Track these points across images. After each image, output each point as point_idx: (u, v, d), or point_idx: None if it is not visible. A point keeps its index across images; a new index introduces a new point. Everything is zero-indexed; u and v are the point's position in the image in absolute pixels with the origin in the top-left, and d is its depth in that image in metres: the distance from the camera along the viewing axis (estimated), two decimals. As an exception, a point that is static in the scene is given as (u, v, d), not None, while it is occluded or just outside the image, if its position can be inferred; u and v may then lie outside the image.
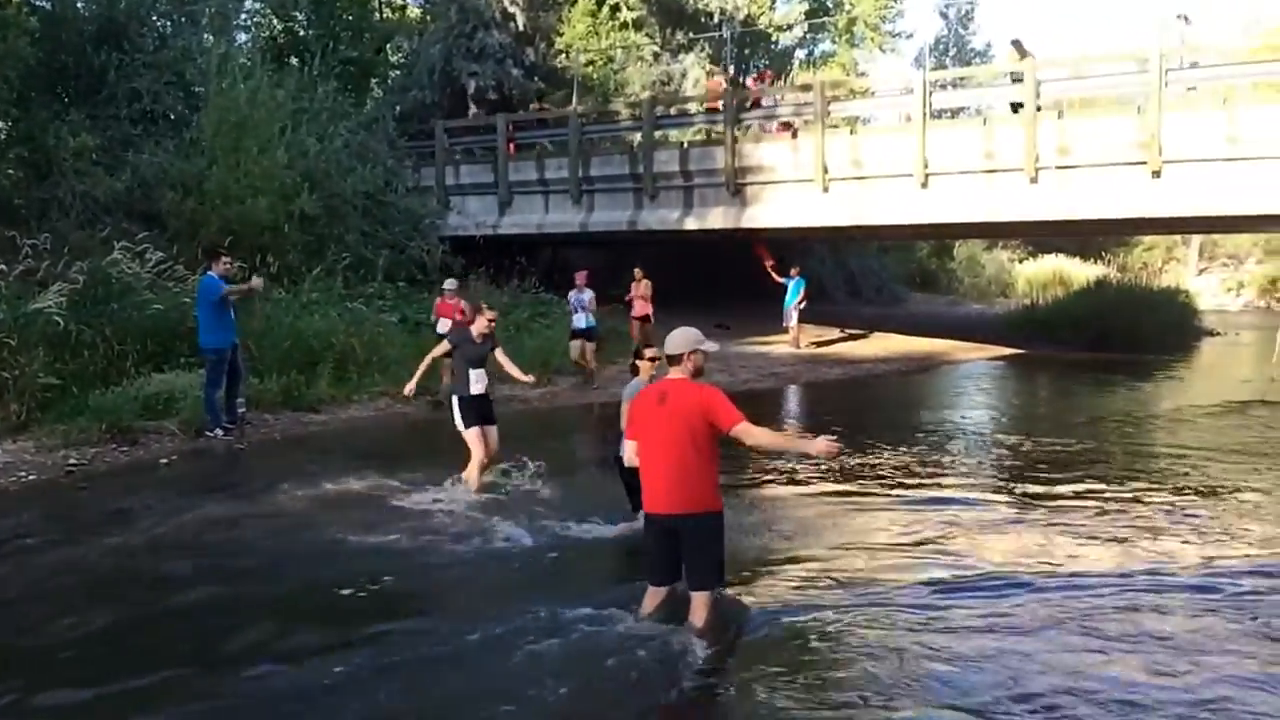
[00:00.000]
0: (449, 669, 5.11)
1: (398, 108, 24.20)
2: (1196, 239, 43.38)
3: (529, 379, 9.38)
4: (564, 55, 26.51)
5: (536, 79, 25.33)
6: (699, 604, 5.26)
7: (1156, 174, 15.65)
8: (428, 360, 9.03)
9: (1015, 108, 17.15)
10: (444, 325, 13.13)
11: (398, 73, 26.53)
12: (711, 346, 5.54)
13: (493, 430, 8.73)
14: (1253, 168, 15.14)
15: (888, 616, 5.80)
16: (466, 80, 24.24)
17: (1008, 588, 6.34)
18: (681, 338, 5.36)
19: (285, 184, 16.40)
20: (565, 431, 12.54)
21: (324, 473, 9.28)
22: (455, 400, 8.67)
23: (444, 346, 8.99)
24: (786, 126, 19.90)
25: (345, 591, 6.27)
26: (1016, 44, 18.54)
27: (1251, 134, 14.98)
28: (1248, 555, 7.10)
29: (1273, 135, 14.74)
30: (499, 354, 8.90)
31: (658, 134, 21.64)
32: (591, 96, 25.40)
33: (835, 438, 5.20)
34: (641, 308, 17.81)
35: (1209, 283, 44.16)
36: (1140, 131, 15.68)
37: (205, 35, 19.63)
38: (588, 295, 15.82)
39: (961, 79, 23.66)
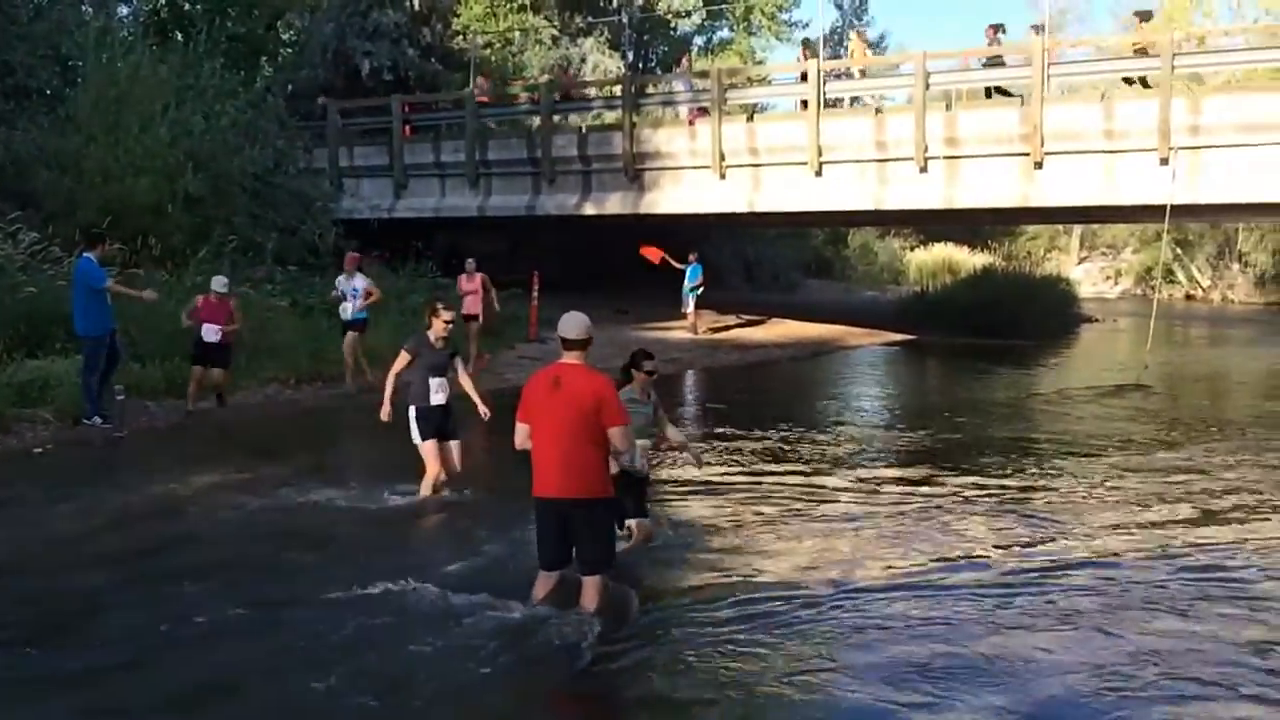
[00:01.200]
0: (340, 655, 5.01)
1: (289, 87, 23.55)
2: (1077, 229, 44.95)
3: (485, 411, 8.03)
4: (461, 37, 26.16)
5: (433, 60, 24.94)
6: (590, 588, 5.29)
7: (1039, 165, 16.16)
8: (392, 378, 8.01)
9: (989, 93, 17.36)
10: (210, 332, 11.21)
11: (289, 51, 25.82)
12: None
13: (454, 446, 7.97)
14: (1127, 160, 15.78)
15: (769, 604, 5.86)
16: (361, 60, 23.74)
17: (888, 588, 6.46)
18: (576, 322, 5.33)
19: (168, 163, 15.84)
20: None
21: (205, 462, 9.02)
22: (412, 411, 7.83)
23: (404, 358, 7.87)
24: (704, 112, 19.98)
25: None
26: (998, 27, 18.71)
27: (1126, 127, 15.60)
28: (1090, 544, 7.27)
29: (1146, 128, 15.37)
30: (459, 366, 8.12)
31: (556, 118, 21.53)
32: (487, 80, 25.12)
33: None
34: (472, 304, 15.35)
35: (1089, 271, 45.88)
36: (1024, 124, 16.17)
37: (84, 8, 18.82)
38: (360, 283, 13.33)
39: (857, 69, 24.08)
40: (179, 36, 20.05)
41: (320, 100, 22.16)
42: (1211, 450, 10.55)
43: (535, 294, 18.57)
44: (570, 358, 5.31)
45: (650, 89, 21.68)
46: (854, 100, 19.35)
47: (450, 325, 8.06)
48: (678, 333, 20.97)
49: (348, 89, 23.68)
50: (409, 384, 7.92)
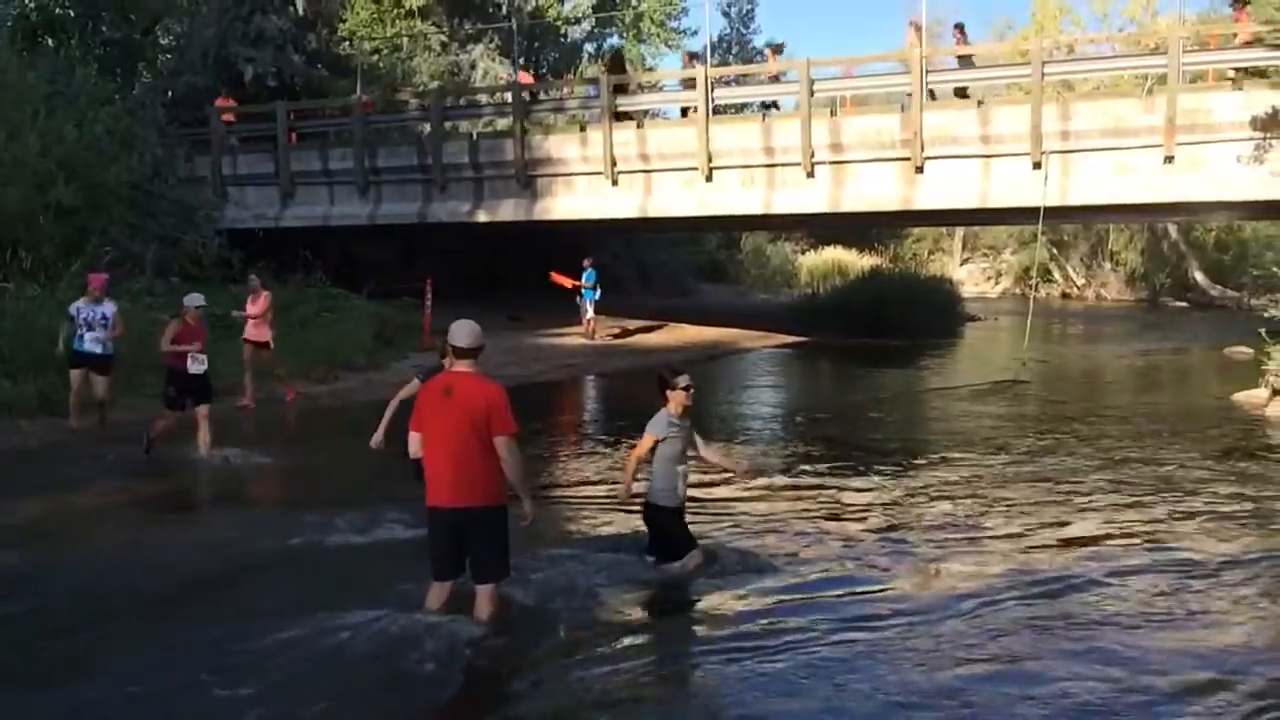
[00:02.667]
0: (237, 673, 4.92)
1: (169, 93, 22.89)
2: (959, 231, 46.40)
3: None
4: (348, 43, 25.75)
5: (319, 66, 24.49)
6: (483, 597, 5.27)
7: (919, 169, 16.67)
8: (395, 406, 7.36)
9: (961, 92, 17.70)
10: (196, 363, 9.85)
11: (169, 56, 25.06)
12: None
13: None
14: (1003, 164, 16.39)
15: (663, 606, 5.94)
16: (244, 66, 23.15)
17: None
18: (467, 330, 5.31)
19: (38, 173, 15.25)
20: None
21: (80, 483, 8.71)
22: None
23: (413, 386, 6.98)
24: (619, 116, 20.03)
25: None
26: (959, 27, 19.15)
27: (1001, 132, 16.21)
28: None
29: (1020, 133, 15.99)
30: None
31: (447, 125, 21.37)
32: (378, 86, 24.79)
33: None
34: (257, 331, 13.13)
35: (971, 271, 47.37)
36: (904, 129, 16.66)
37: (-52, 12, 18.01)
38: (110, 309, 11.13)
39: (743, 75, 24.47)
40: (49, 42, 19.31)
41: (217, 102, 21.54)
42: (1074, 448, 11.02)
43: (428, 302, 18.39)
44: (462, 366, 5.30)
45: (542, 95, 21.65)
46: (776, 107, 19.60)
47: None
48: (574, 339, 21.01)
49: (230, 95, 23.10)
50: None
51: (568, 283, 21.42)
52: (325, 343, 15.37)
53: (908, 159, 16.74)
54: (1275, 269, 13.37)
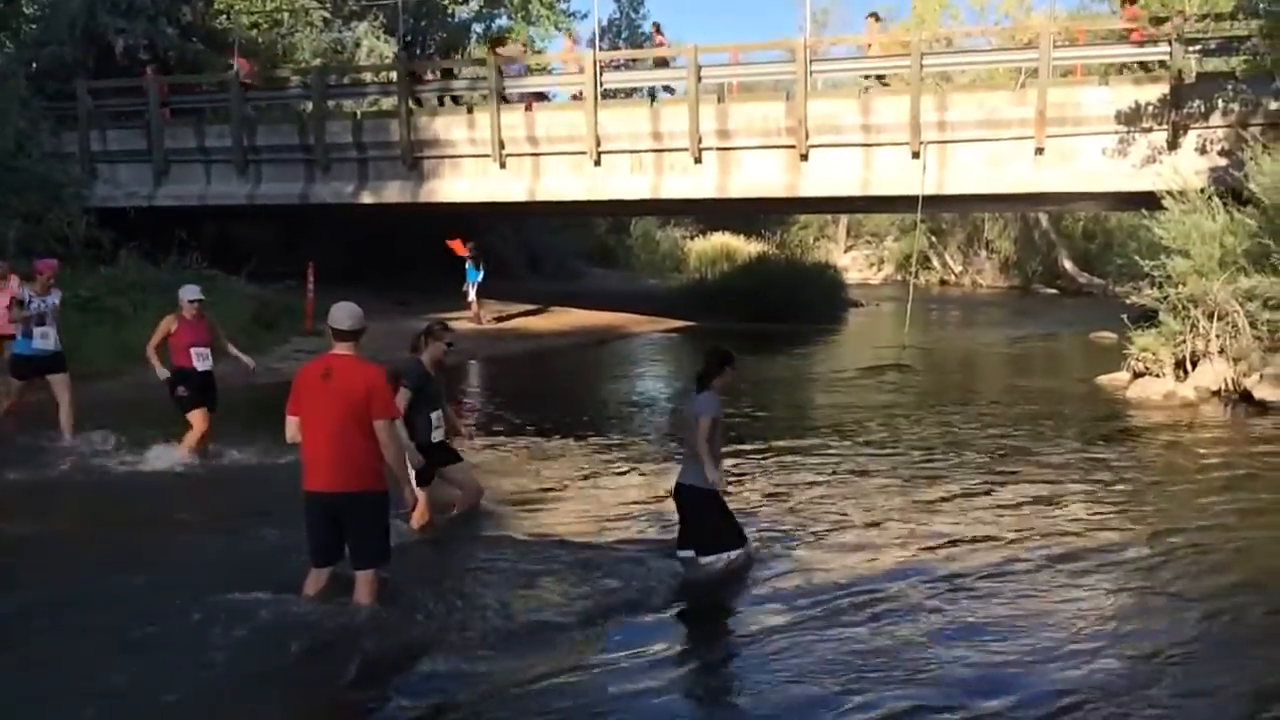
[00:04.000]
0: (104, 659, 4.78)
1: (33, 64, 21.80)
2: (844, 218, 47.39)
3: (467, 434, 7.56)
4: (225, 16, 24.89)
5: (194, 40, 23.62)
6: (363, 583, 5.21)
7: (804, 157, 16.98)
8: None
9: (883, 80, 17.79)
10: (201, 358, 8.82)
11: (33, 26, 23.85)
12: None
13: (461, 471, 7.17)
14: (883, 153, 16.81)
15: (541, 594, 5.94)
16: (114, 37, 22.19)
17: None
18: (347, 313, 5.23)
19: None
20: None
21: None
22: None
23: (406, 396, 6.55)
24: (540, 97, 19.83)
25: None
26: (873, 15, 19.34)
27: (882, 122, 16.62)
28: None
29: (899, 123, 16.40)
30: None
31: (330, 104, 20.87)
32: (256, 62, 24.05)
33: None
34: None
35: (855, 258, 48.42)
36: (789, 117, 16.94)
37: None
38: (57, 299, 9.86)
39: (632, 60, 24.51)
40: (-102, 7, 18.20)
41: (75, 81, 20.58)
42: (948, 430, 11.41)
43: (311, 285, 17.98)
44: (341, 348, 5.21)
45: (428, 75, 21.30)
46: (669, 90, 19.65)
47: (452, 347, 7.13)
48: (461, 323, 20.76)
49: (100, 68, 22.14)
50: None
51: (461, 249, 21.20)
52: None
53: (793, 147, 17.03)
54: (1137, 258, 14.00)
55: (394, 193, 19.63)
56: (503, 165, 18.69)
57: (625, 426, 11.75)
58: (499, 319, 21.95)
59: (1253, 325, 12.48)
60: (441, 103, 20.20)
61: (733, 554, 6.17)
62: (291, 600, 5.28)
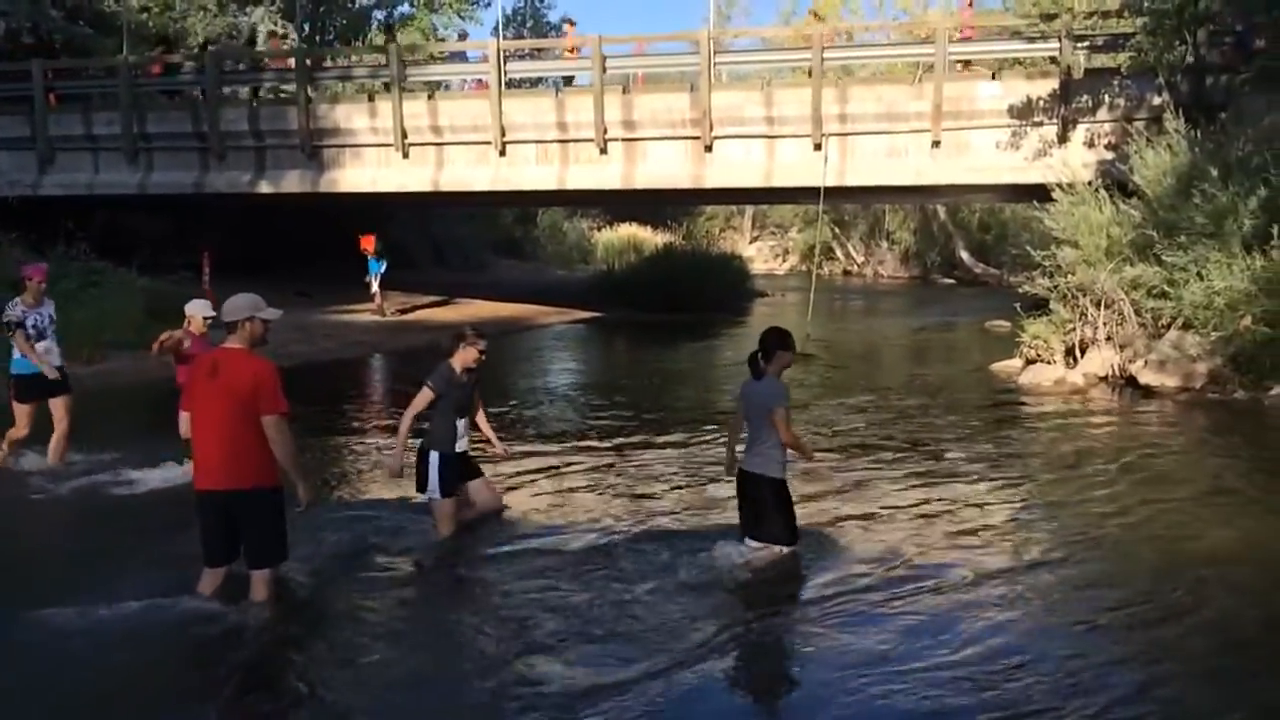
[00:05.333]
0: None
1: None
2: (749, 209, 47.91)
3: (503, 450, 7.18)
4: (113, -1, 24.03)
5: (81, 23, 22.74)
6: (259, 582, 5.09)
7: (709, 148, 17.10)
8: (409, 421, 6.59)
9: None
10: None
11: (-97, 5, 22.69)
12: (273, 313, 5.20)
13: (479, 486, 6.91)
14: (786, 145, 17.02)
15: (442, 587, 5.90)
16: (-6, 19, 21.27)
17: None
18: (238, 304, 5.10)
19: None
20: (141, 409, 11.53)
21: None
22: (435, 459, 6.48)
23: (427, 396, 6.44)
24: (481, 84, 19.52)
25: None
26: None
27: (784, 114, 16.81)
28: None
29: (802, 115, 16.62)
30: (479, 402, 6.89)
31: (226, 90, 20.30)
32: (147, 46, 23.29)
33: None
34: None
35: (761, 249, 49.04)
36: (694, 109, 17.03)
37: None
38: (49, 309, 8.55)
39: (538, 50, 24.37)
40: None
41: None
42: (850, 417, 11.64)
43: (206, 277, 17.49)
44: (232, 342, 5.07)
45: (328, 62, 20.86)
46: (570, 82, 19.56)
47: (484, 355, 6.75)
48: (364, 315, 20.47)
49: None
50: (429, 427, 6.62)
51: (371, 246, 20.83)
52: (89, 320, 14.32)
53: (698, 138, 17.15)
54: (1030, 249, 14.44)
55: (293, 182, 19.20)
56: (405, 155, 18.43)
57: (543, 418, 11.68)
58: (403, 311, 21.65)
59: (1138, 313, 12.97)
60: (342, 91, 19.84)
61: (784, 550, 6.04)
62: (183, 601, 5.13)
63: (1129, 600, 5.58)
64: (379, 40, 27.07)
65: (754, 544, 6.06)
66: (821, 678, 4.67)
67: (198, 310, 7.95)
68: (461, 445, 6.62)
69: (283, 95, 20.91)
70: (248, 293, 5.19)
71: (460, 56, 22.06)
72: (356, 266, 21.11)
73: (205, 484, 5.00)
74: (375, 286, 20.81)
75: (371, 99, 18.95)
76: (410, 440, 6.64)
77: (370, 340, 18.40)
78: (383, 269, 20.85)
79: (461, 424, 6.57)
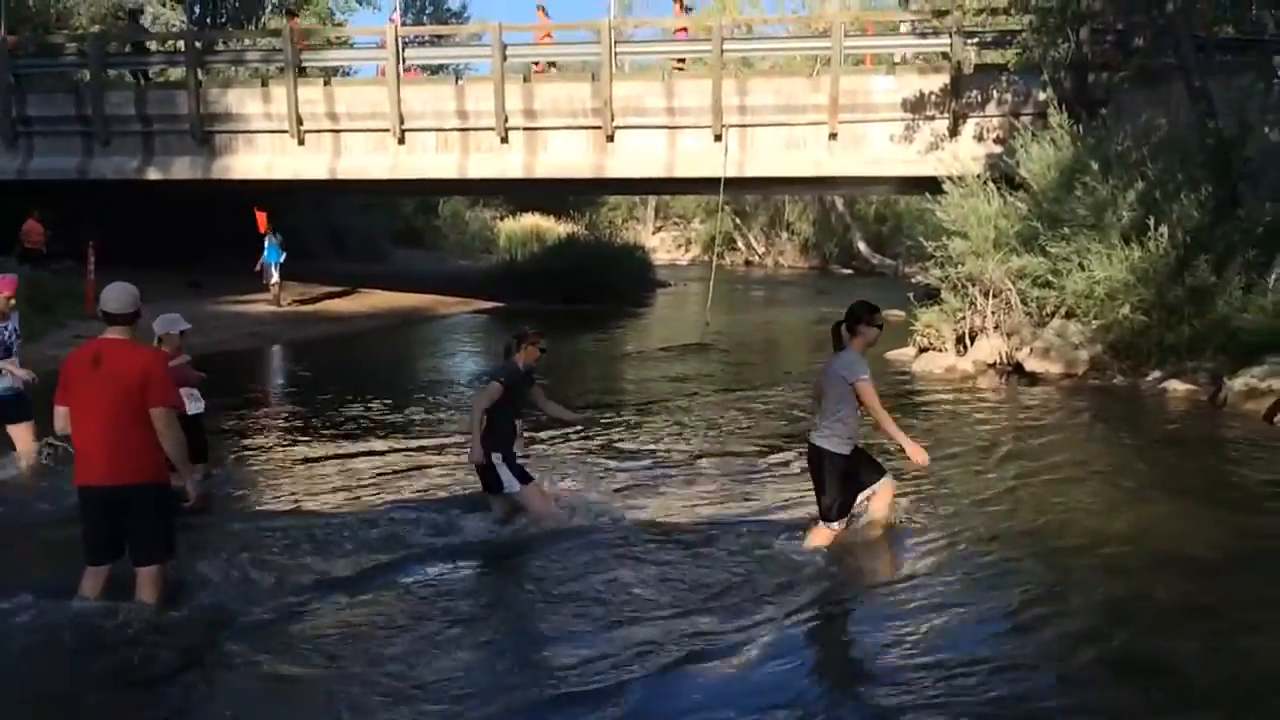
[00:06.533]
0: None
1: None
2: (652, 199, 48.11)
3: (576, 416, 7.42)
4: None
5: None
6: (146, 580, 4.92)
7: (610, 138, 17.14)
8: (480, 413, 6.36)
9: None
10: (195, 402, 7.07)
11: None
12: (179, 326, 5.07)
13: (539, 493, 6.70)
14: (687, 135, 17.16)
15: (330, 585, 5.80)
16: None
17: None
18: (119, 294, 4.92)
19: None
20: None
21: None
22: (499, 460, 6.40)
23: (497, 390, 6.31)
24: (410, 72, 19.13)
25: None
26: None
27: (685, 105, 16.94)
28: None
29: (702, 106, 16.76)
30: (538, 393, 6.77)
31: (111, 73, 19.60)
32: (27, 26, 22.34)
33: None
34: None
35: (664, 240, 49.31)
36: (595, 98, 17.04)
37: None
38: (13, 324, 7.70)
39: (439, 36, 24.09)
40: None
41: None
42: (744, 403, 11.81)
43: (91, 267, 16.86)
44: (114, 333, 4.88)
45: (220, 46, 20.28)
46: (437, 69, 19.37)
47: (544, 353, 6.73)
48: (260, 305, 20.00)
49: None
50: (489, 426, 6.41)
51: (263, 222, 20.33)
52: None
53: (599, 127, 17.16)
54: (922, 240, 14.81)
55: (183, 168, 18.67)
56: (301, 141, 18.06)
57: (441, 407, 11.57)
58: (301, 301, 21.21)
59: (1024, 302, 13.43)
60: (235, 75, 19.34)
61: (834, 525, 5.98)
62: (66, 602, 4.96)
63: (1013, 583, 5.79)
64: (273, 24, 26.40)
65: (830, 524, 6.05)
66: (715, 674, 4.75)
67: (172, 327, 7.06)
68: (518, 446, 6.60)
69: (172, 80, 20.27)
70: (126, 282, 5.02)
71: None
72: (251, 255, 20.59)
73: (88, 479, 4.82)
74: (275, 276, 20.30)
75: (265, 84, 18.49)
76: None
77: (267, 331, 17.99)
78: (282, 259, 20.37)
79: (519, 424, 6.55)
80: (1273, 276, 11.40)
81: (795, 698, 4.39)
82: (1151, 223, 12.16)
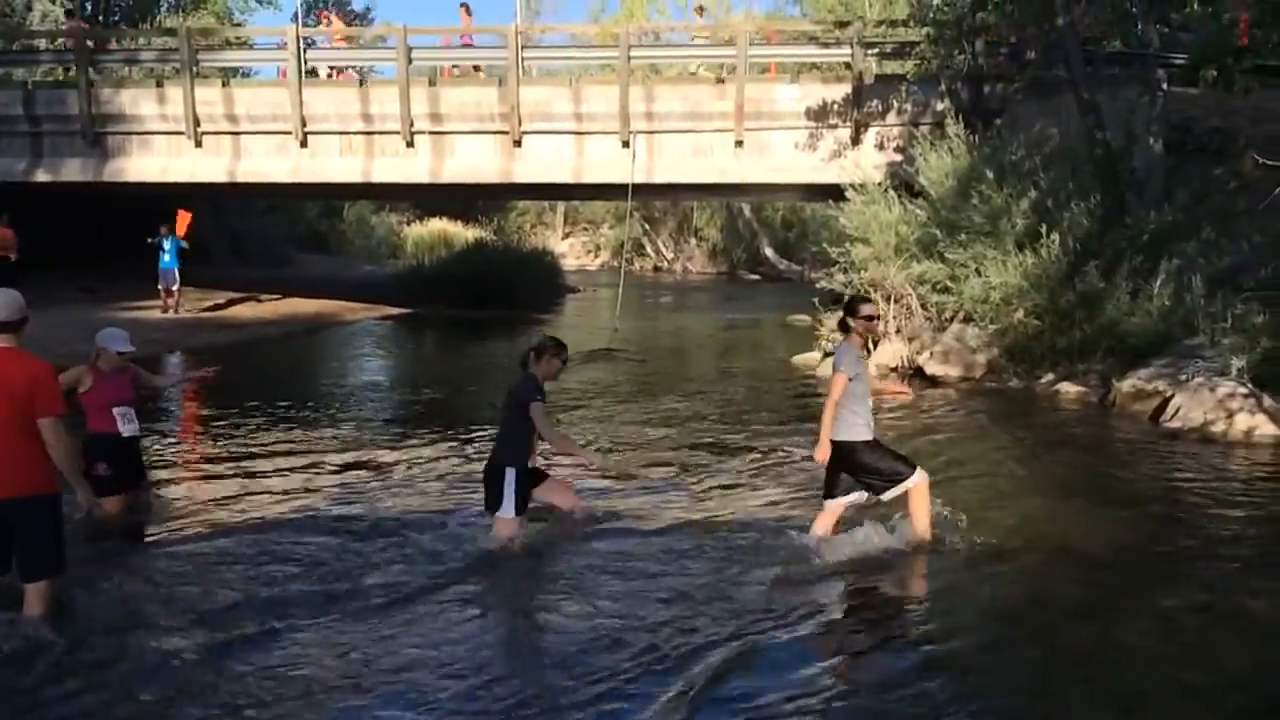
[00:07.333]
0: None
1: None
2: (561, 205, 48.04)
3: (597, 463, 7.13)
4: None
5: None
6: (34, 596, 4.75)
7: (518, 143, 17.08)
8: (552, 430, 6.43)
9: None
10: (127, 421, 6.80)
11: None
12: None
13: (551, 486, 6.62)
14: (595, 141, 17.20)
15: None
16: None
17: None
18: (10, 302, 4.74)
19: None
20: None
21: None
22: (511, 476, 6.27)
23: (540, 410, 6.21)
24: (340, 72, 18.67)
25: None
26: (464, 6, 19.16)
27: (593, 110, 16.98)
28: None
29: (610, 112, 16.81)
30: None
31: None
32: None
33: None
34: None
35: (573, 245, 49.27)
36: (502, 103, 16.97)
37: None
38: None
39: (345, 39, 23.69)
40: None
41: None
42: (650, 408, 11.87)
43: (-25, 272, 16.21)
44: (3, 341, 4.73)
45: (113, 44, 19.67)
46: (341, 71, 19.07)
47: (566, 365, 6.63)
48: (155, 312, 19.41)
49: None
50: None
51: (182, 224, 19.70)
52: None
53: (506, 132, 17.10)
54: (827, 246, 15.08)
55: (74, 171, 18.05)
56: (199, 144, 17.62)
57: (345, 415, 11.38)
58: (200, 308, 20.65)
59: (924, 307, 13.77)
60: (129, 75, 18.78)
61: (910, 481, 6.08)
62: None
63: (905, 581, 5.93)
64: (169, 23, 25.71)
65: (884, 496, 6.17)
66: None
67: (115, 344, 6.76)
68: (534, 461, 6.52)
69: (63, 80, 19.59)
70: (9, 288, 4.85)
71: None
72: (147, 261, 19.95)
73: (-28, 492, 4.63)
74: (175, 284, 19.64)
75: (160, 84, 17.98)
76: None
77: (164, 339, 17.42)
78: (177, 265, 19.73)
79: (534, 438, 6.40)
80: (1157, 282, 11.89)
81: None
82: (1044, 230, 12.58)
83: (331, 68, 19.08)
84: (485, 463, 6.54)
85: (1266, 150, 8.85)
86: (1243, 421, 9.72)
